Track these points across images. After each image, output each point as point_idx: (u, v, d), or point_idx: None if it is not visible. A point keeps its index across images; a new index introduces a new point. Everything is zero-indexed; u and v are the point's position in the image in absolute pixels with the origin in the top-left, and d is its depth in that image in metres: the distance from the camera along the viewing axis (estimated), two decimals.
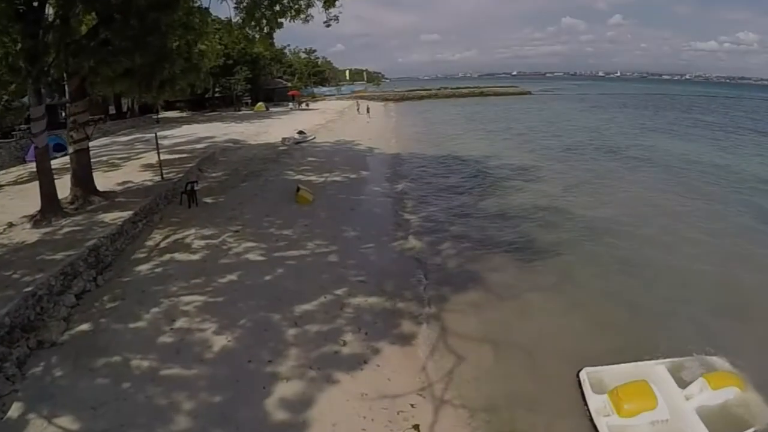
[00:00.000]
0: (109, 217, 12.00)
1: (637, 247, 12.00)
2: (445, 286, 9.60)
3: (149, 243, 11.60)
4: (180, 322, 7.98)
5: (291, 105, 57.08)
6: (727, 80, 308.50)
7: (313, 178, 18.28)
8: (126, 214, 12.10)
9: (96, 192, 13.78)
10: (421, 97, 75.64)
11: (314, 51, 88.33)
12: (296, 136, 27.92)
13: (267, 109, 52.90)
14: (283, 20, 15.29)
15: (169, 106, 55.11)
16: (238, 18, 15.25)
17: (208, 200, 14.91)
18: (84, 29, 12.93)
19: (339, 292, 9.04)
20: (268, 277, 9.50)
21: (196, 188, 14.42)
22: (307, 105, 57.44)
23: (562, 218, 14.06)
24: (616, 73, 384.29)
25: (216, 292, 8.95)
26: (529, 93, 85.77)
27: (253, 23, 14.55)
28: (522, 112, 52.88)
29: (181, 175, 16.45)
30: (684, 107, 64.10)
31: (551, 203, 15.41)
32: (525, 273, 10.51)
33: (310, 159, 22.51)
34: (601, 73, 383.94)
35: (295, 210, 13.93)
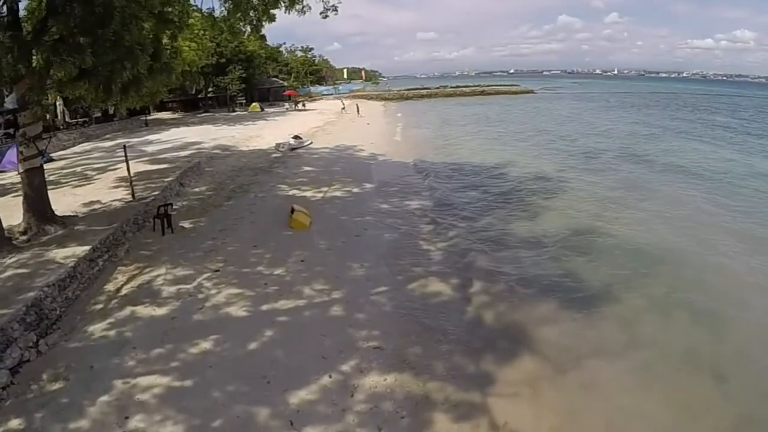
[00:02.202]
0: (62, 253, 9.70)
1: (706, 289, 9.89)
2: (486, 352, 7.37)
3: (109, 287, 9.33)
4: (135, 421, 5.76)
5: (287, 105, 54.80)
6: (725, 78, 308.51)
7: (309, 193, 15.99)
8: (82, 249, 9.81)
9: (52, 219, 11.47)
10: (422, 96, 73.43)
11: (311, 49, 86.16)
12: (291, 141, 25.59)
13: (262, 109, 50.73)
14: (275, 12, 13.13)
15: (160, 107, 52.95)
16: (223, 9, 13.11)
17: (186, 224, 12.61)
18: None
19: (348, 366, 6.80)
20: (253, 345, 7.24)
21: (171, 211, 12.14)
22: (304, 105, 55.10)
23: (607, 245, 11.89)
24: (614, 71, 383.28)
25: (184, 369, 6.69)
26: (532, 92, 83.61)
27: (239, 15, 12.32)
28: (529, 113, 50.69)
29: (156, 193, 14.16)
30: (691, 106, 62.12)
31: (590, 225, 13.22)
32: (581, 328, 8.32)
33: (306, 169, 20.20)
34: (598, 71, 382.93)
35: (289, 238, 11.65)
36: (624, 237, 12.53)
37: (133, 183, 15.89)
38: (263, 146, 25.83)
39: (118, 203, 13.26)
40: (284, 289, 8.89)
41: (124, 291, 9.19)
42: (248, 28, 12.94)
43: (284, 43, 79.12)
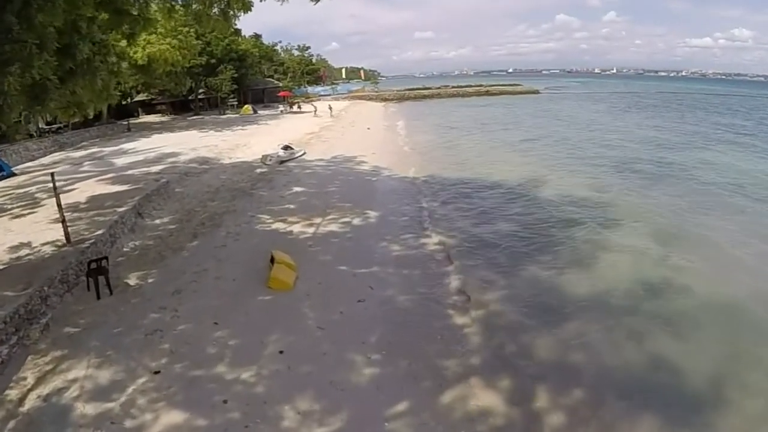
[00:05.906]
0: None
1: None
2: None
3: (11, 394, 6.27)
4: None
5: (281, 107, 51.70)
6: (724, 77, 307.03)
7: (297, 228, 12.78)
8: None
9: None
10: (423, 97, 70.40)
11: (308, 48, 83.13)
12: (280, 152, 22.32)
13: (255, 111, 47.67)
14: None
15: (149, 109, 50.34)
16: None
17: (132, 280, 9.45)
18: None
19: None
20: None
21: (107, 265, 9.04)
22: (299, 107, 51.93)
23: (688, 309, 8.89)
24: (612, 69, 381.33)
25: None
26: (537, 92, 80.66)
27: None
28: (540, 116, 47.57)
29: (101, 231, 11.04)
30: (703, 107, 59.47)
31: (659, 276, 10.20)
32: None
33: (296, 190, 16.97)
34: (597, 70, 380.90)
35: (266, 307, 8.44)
36: (704, 293, 9.55)
37: (82, 212, 12.96)
38: (249, 158, 22.65)
39: (49, 248, 10.15)
40: (254, 412, 5.80)
41: (27, 404, 6.12)
42: (215, 16, 9.89)
43: (279, 42, 76.26)
